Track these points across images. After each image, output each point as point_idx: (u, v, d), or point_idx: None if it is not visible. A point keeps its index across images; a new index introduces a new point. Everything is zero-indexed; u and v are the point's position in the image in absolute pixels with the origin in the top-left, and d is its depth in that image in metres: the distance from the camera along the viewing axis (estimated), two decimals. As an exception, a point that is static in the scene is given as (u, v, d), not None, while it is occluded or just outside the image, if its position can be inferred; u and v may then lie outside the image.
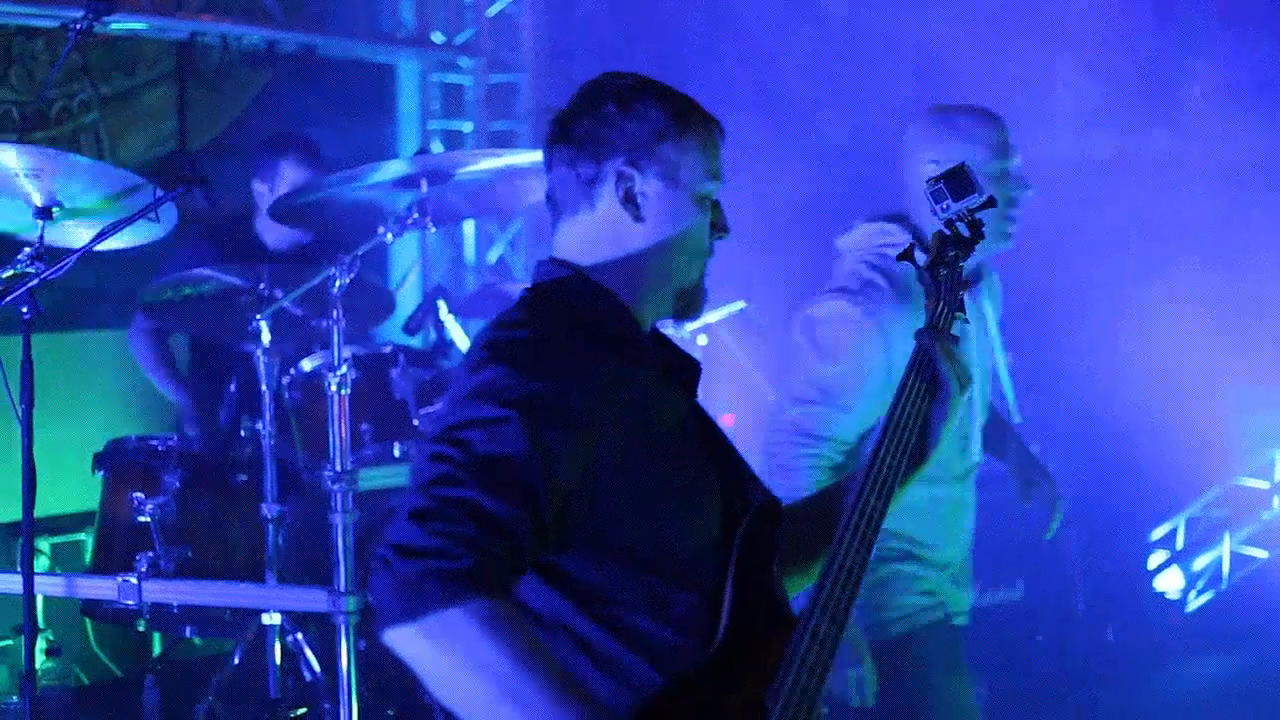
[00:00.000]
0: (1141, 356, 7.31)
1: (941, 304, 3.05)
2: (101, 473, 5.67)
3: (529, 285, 2.95)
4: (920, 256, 3.13)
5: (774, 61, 8.58)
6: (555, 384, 2.64)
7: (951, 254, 3.12)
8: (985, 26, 7.96)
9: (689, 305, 2.99)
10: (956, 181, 3.14)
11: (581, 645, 2.66)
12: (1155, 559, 8.07)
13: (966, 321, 3.11)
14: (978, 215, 3.17)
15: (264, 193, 6.57)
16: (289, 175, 6.48)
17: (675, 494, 2.76)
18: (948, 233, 3.15)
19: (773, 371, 8.03)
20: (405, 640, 2.45)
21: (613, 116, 2.89)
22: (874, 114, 8.57)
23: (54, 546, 6.93)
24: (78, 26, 4.93)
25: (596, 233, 2.91)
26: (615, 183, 2.88)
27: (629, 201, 2.88)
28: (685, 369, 3.01)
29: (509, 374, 2.64)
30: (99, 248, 4.59)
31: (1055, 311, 7.42)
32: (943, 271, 3.09)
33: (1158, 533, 8.09)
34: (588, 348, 2.75)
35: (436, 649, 2.44)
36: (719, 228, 2.99)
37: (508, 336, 2.74)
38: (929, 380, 2.96)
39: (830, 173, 8.54)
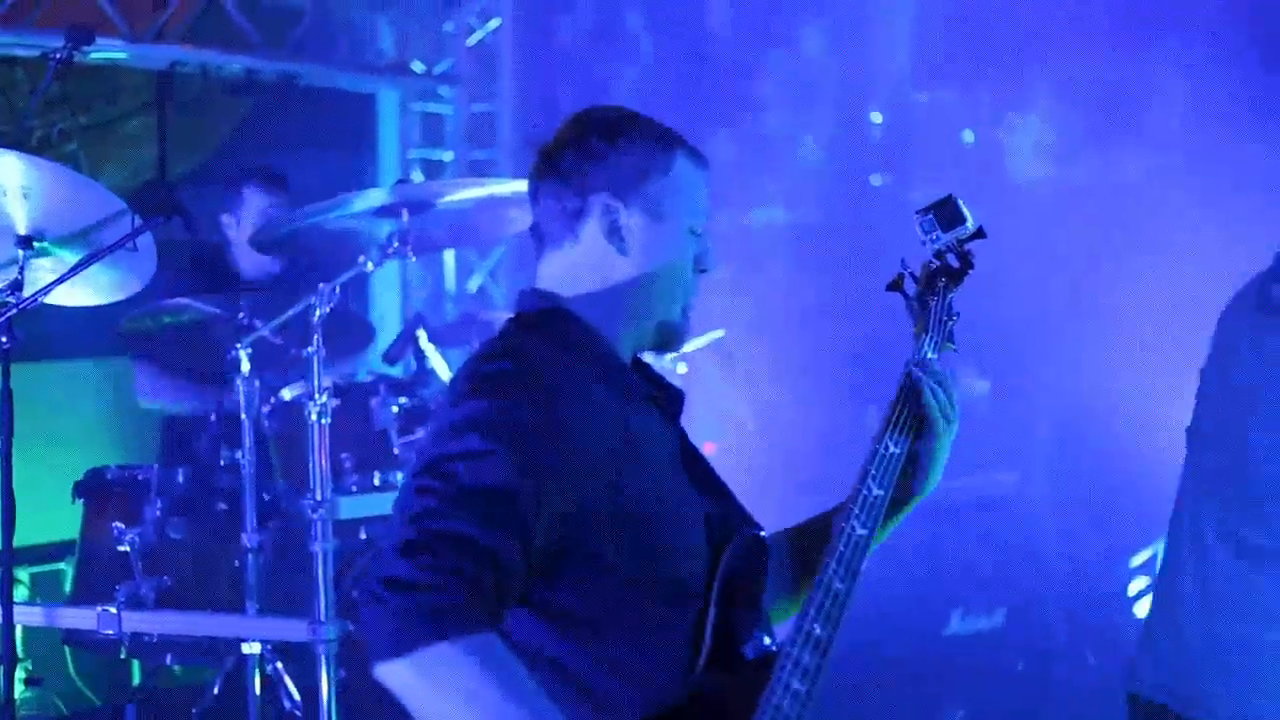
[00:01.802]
0: (1120, 382, 7.32)
1: (930, 335, 3.05)
2: (81, 502, 5.66)
3: (511, 316, 2.96)
4: (910, 287, 3.14)
5: (751, 91, 8.61)
6: (538, 414, 2.65)
7: (941, 284, 3.13)
8: (960, 53, 8.00)
9: (671, 338, 3.00)
10: (946, 212, 3.15)
11: (564, 674, 2.65)
12: (1136, 585, 8.06)
13: (955, 352, 3.11)
14: (967, 246, 3.18)
15: (231, 224, 6.57)
16: (253, 202, 6.48)
17: (661, 523, 2.76)
18: (937, 263, 3.16)
19: (752, 400, 8.04)
20: (396, 674, 2.45)
21: (598, 149, 2.90)
22: (851, 144, 8.62)
23: (33, 576, 6.92)
24: (58, 56, 4.93)
25: (581, 265, 2.92)
26: (600, 216, 2.88)
27: (613, 234, 2.88)
28: (669, 398, 3.02)
29: (492, 406, 2.64)
30: (79, 293, 4.62)
31: (1032, 338, 7.44)
32: (931, 302, 3.09)
33: (1138, 559, 8.09)
34: (571, 377, 2.76)
35: (427, 683, 2.44)
36: (703, 262, 3.00)
37: (490, 368, 2.74)
38: (916, 413, 2.96)
39: (807, 202, 8.57)
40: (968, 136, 8.47)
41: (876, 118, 8.81)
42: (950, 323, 3.10)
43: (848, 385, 7.58)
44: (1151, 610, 4.10)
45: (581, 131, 2.94)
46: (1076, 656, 7.35)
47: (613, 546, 2.68)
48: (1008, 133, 8.05)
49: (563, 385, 2.73)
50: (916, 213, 3.17)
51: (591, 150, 2.91)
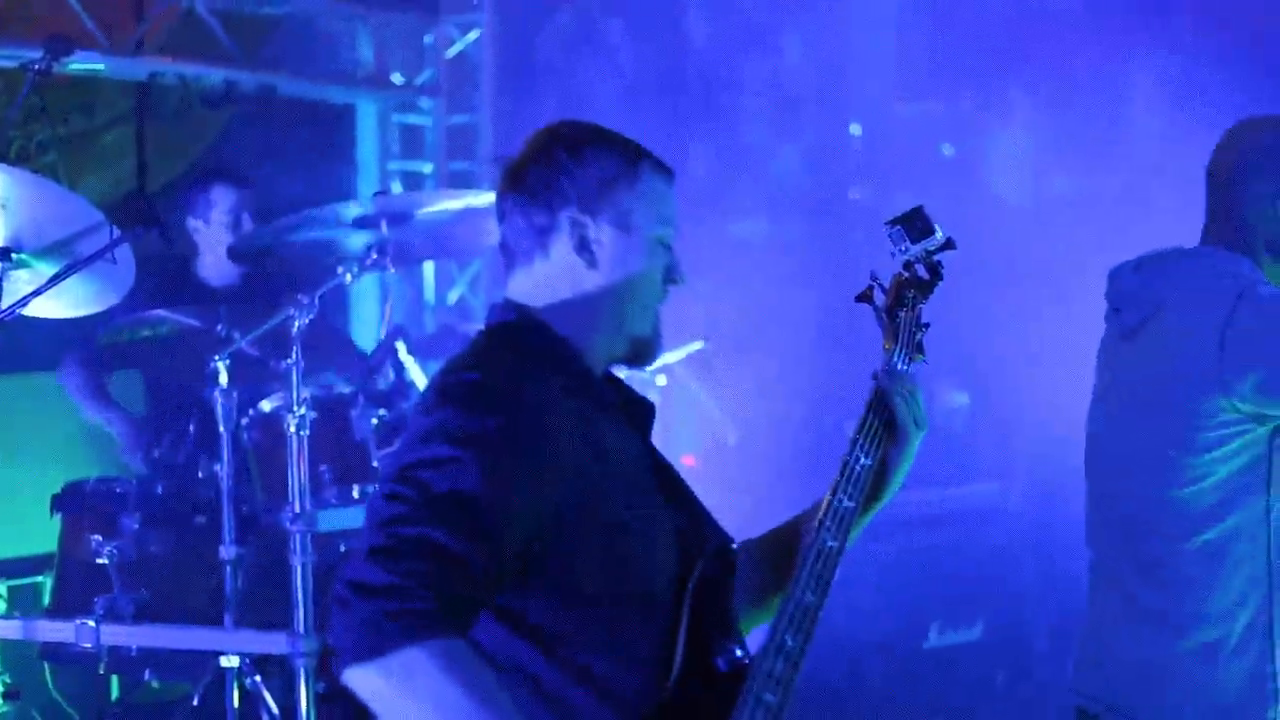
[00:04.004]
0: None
1: (900, 346, 3.06)
2: (59, 515, 5.65)
3: (482, 328, 2.96)
4: (879, 298, 3.14)
5: (731, 103, 8.62)
6: (509, 423, 2.65)
7: (910, 296, 3.13)
8: (940, 66, 8.01)
9: (642, 352, 3.00)
10: (915, 223, 3.15)
11: (535, 686, 2.65)
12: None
13: (925, 363, 3.11)
14: (936, 258, 3.18)
15: (200, 228, 6.56)
16: (222, 201, 6.46)
17: (632, 534, 2.76)
18: (906, 275, 3.16)
19: (732, 411, 8.04)
20: (364, 679, 2.45)
21: (565, 164, 2.90)
22: (830, 156, 8.62)
23: (11, 589, 6.89)
24: (36, 67, 4.92)
25: (551, 279, 2.92)
26: (569, 230, 2.88)
27: (583, 249, 2.88)
28: (639, 410, 3.02)
29: (462, 414, 2.65)
30: (57, 305, 4.61)
31: (1013, 350, 7.45)
32: (900, 314, 3.10)
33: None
34: (541, 387, 2.76)
35: (396, 688, 2.44)
36: (672, 274, 3.00)
37: (460, 378, 2.74)
38: (886, 422, 2.96)
39: (787, 214, 8.57)
40: (947, 149, 8.48)
41: (856, 130, 8.82)
42: (919, 334, 3.11)
43: (828, 396, 7.58)
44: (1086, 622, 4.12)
45: (547, 147, 2.94)
46: (1055, 668, 7.36)
47: (582, 557, 2.69)
48: (988, 145, 8.06)
49: (532, 396, 2.73)
50: (885, 224, 3.17)
51: (558, 165, 2.91)
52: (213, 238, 6.53)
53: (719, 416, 7.95)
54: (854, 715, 6.34)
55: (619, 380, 3.07)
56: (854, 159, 8.78)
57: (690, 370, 7.71)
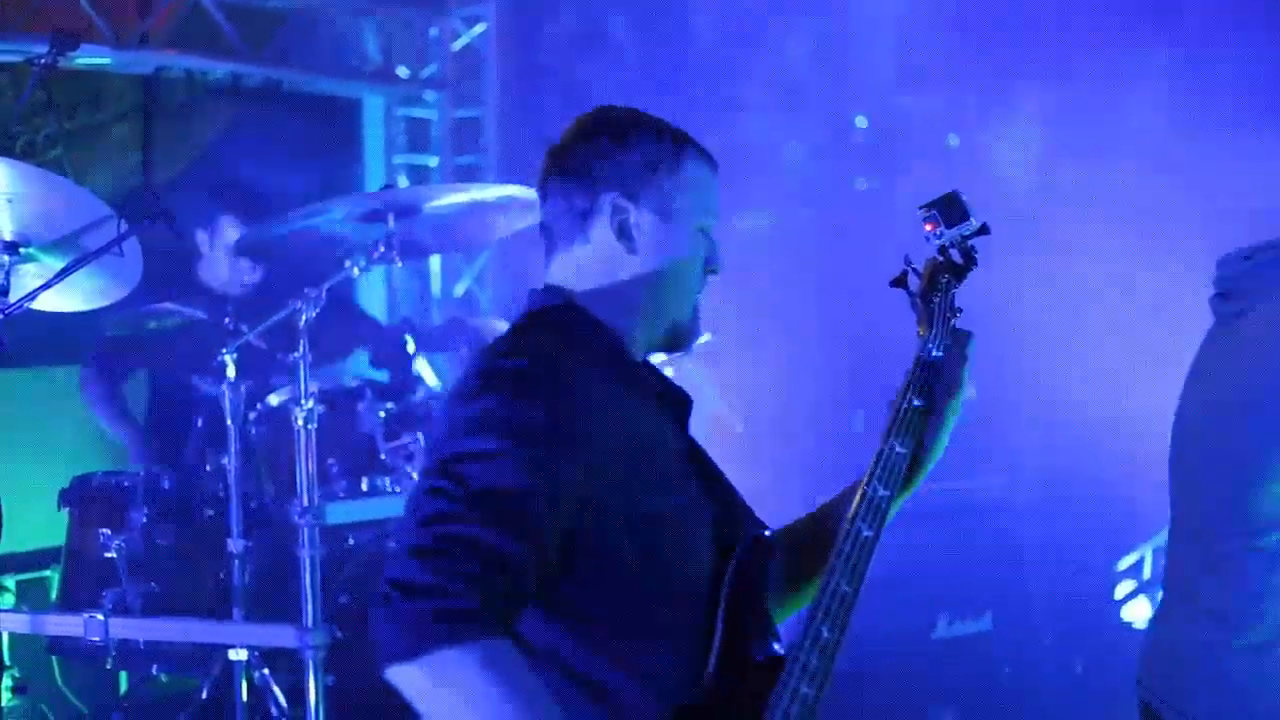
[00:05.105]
0: (1108, 386, 7.33)
1: (934, 332, 3.06)
2: (68, 509, 5.65)
3: (523, 312, 2.95)
4: (913, 283, 3.14)
5: (735, 95, 8.61)
6: (553, 412, 2.64)
7: (945, 281, 3.13)
8: (945, 57, 8.00)
9: (679, 338, 3.02)
10: (949, 208, 3.14)
11: (573, 674, 2.65)
12: (1122, 589, 8.06)
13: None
14: (971, 243, 3.17)
15: (204, 240, 6.60)
16: (226, 233, 6.51)
17: (671, 523, 2.76)
18: (940, 259, 3.16)
19: (739, 403, 8.04)
20: (408, 679, 2.44)
21: (608, 149, 2.91)
22: (835, 148, 8.61)
23: (20, 583, 6.90)
24: (42, 61, 4.92)
25: (590, 264, 2.93)
26: (610, 215, 2.89)
27: (624, 234, 2.89)
28: (677, 400, 3.02)
29: (505, 403, 2.64)
30: (65, 299, 4.62)
31: (1020, 341, 7.45)
32: (935, 299, 3.09)
33: (1125, 562, 8.09)
34: (583, 374, 2.75)
35: (440, 688, 2.44)
36: (710, 263, 3.01)
37: (502, 365, 2.73)
38: (922, 408, 2.96)
39: (792, 206, 8.56)
40: (953, 140, 8.47)
41: (861, 121, 8.81)
42: (954, 319, 3.11)
43: (834, 388, 7.58)
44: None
45: (591, 131, 2.96)
46: (1063, 660, 7.36)
47: (626, 546, 2.68)
48: (993, 136, 8.05)
49: (576, 383, 2.73)
50: (920, 208, 3.17)
51: (601, 149, 2.92)
52: (215, 258, 6.58)
53: (726, 407, 7.94)
54: (862, 706, 6.33)
55: (656, 369, 3.07)
56: (859, 150, 8.77)
57: (697, 362, 7.71)
